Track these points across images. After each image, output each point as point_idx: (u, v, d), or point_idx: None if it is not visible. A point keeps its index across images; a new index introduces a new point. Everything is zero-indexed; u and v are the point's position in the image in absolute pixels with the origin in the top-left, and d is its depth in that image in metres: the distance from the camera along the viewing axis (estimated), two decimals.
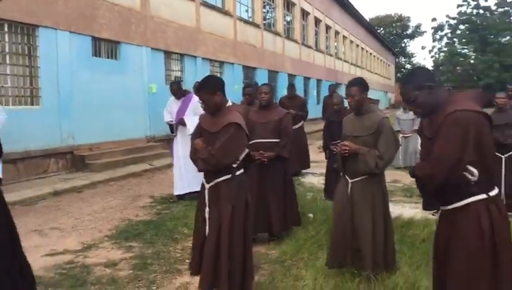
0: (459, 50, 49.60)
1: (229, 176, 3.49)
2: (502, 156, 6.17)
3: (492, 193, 2.40)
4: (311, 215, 6.01)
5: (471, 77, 46.10)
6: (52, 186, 8.20)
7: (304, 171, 9.78)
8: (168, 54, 13.90)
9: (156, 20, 13.07)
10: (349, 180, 4.00)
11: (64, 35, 9.89)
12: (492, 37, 47.05)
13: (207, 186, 3.57)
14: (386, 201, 4.07)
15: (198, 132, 3.71)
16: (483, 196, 2.38)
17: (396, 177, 9.10)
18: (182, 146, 7.12)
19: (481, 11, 48.22)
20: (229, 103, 3.62)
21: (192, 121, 6.60)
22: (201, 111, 3.76)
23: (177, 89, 7.34)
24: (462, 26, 49.63)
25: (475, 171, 2.34)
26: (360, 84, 4.00)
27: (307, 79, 26.76)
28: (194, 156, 3.58)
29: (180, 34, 14.23)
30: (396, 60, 67.00)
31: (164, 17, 13.46)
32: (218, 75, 17.12)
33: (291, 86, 10.11)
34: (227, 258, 3.39)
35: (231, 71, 17.63)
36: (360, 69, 41.42)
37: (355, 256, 3.95)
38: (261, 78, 18.99)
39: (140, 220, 6.21)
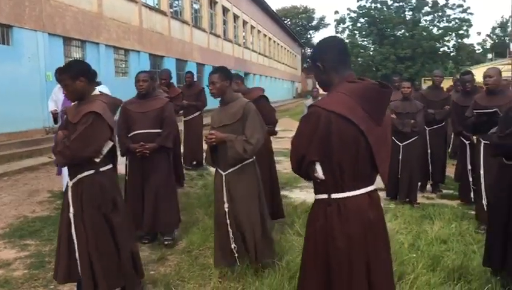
0: (359, 42, 52.25)
1: (91, 172, 3.20)
2: (400, 144, 6.40)
3: (336, 196, 2.23)
4: None
5: (370, 68, 48.78)
6: None
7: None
8: (67, 40, 13.09)
9: (52, 4, 12.23)
10: (223, 173, 3.93)
11: None
12: (388, 30, 50.14)
13: (70, 183, 3.24)
14: (260, 187, 4.06)
15: (65, 124, 3.39)
16: (324, 196, 2.26)
17: None
18: None
19: (379, 6, 51.07)
20: (96, 92, 3.33)
21: None
22: None
23: None
24: (362, 20, 52.23)
25: (319, 170, 2.22)
26: (221, 72, 3.96)
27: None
28: (54, 149, 3.27)
29: (80, 19, 13.46)
30: (303, 50, 69.11)
31: (61, 0, 12.63)
32: (124, 63, 16.52)
33: (188, 74, 9.69)
34: (100, 266, 3.16)
35: (137, 59, 17.06)
36: (268, 59, 42.17)
37: (242, 247, 3.94)
38: (169, 67, 18.53)
39: (37, 217, 5.83)
